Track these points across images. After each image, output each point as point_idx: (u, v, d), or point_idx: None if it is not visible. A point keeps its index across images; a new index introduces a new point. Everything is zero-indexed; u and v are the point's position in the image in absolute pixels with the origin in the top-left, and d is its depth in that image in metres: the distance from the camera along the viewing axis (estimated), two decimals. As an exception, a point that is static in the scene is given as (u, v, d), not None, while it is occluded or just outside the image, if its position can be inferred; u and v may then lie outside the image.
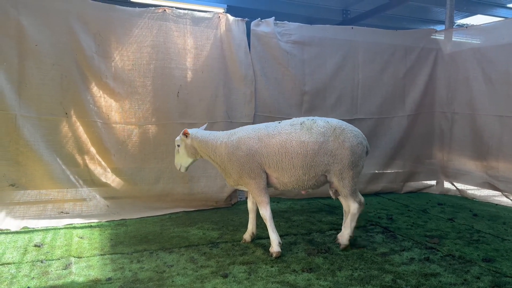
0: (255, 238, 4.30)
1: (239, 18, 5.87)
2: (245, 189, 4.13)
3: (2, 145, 4.71)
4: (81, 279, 3.23)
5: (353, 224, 4.08)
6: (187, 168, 4.35)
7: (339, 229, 4.70)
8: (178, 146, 4.23)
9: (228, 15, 5.79)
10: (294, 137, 3.89)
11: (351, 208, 4.06)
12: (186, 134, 4.14)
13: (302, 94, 6.27)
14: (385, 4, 8.66)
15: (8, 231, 4.45)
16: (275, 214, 5.28)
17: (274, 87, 6.12)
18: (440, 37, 7.02)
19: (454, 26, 7.20)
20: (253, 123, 5.99)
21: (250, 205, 4.27)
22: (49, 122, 4.95)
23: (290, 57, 6.14)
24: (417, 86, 6.92)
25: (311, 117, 4.10)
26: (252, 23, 5.99)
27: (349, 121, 6.49)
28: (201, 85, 5.68)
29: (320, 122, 4.00)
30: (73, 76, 5.01)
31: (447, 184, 7.10)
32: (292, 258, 3.76)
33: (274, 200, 6.14)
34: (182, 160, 4.27)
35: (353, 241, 4.13)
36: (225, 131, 4.24)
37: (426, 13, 9.92)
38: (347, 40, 6.56)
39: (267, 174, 3.97)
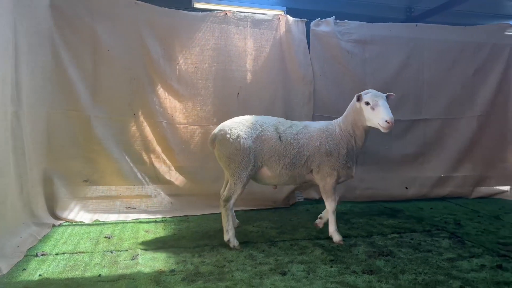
0: (313, 238, 4.28)
1: (299, 19, 5.88)
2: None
3: (77, 144, 5.08)
4: (147, 270, 3.40)
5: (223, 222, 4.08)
6: None
7: (401, 232, 4.56)
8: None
9: (288, 16, 5.83)
10: None
11: None
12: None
13: (362, 94, 6.12)
14: (454, -1, 8.21)
15: (82, 223, 4.79)
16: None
17: (333, 87, 6.05)
18: (515, 32, 6.55)
19: (531, 20, 6.70)
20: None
21: None
22: (119, 123, 5.25)
23: (350, 56, 6.04)
24: (488, 85, 6.49)
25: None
26: (312, 23, 5.97)
27: (413, 121, 6.32)
28: (261, 86, 5.75)
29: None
30: (141, 79, 5.29)
31: (522, 190, 6.60)
32: (352, 260, 3.68)
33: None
34: None
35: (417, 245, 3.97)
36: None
37: (498, 8, 9.24)
38: (411, 38, 6.32)
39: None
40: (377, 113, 3.93)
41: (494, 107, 6.52)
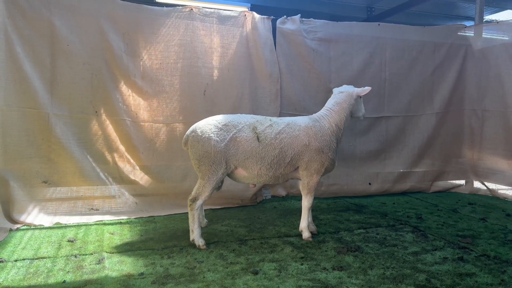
0: (283, 236, 4.30)
1: (265, 16, 5.86)
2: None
3: (35, 143, 4.83)
4: (114, 274, 3.28)
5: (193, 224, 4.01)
6: None
7: (367, 228, 4.66)
8: None
9: (254, 13, 5.80)
10: None
11: None
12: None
13: (327, 91, 6.17)
14: (411, 0, 8.50)
15: (42, 226, 4.56)
16: (299, 211, 5.28)
17: (299, 85, 6.10)
18: (470, 33, 6.86)
19: (483, 22, 7.04)
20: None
21: None
22: (80, 121, 5.04)
23: (316, 54, 6.10)
24: (446, 83, 6.77)
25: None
26: (278, 21, 5.97)
27: (376, 119, 6.50)
28: (227, 83, 5.70)
29: None
30: (103, 75, 5.09)
31: (477, 184, 6.93)
32: (321, 256, 3.73)
33: (300, 198, 6.09)
34: None
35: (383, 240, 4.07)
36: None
37: (453, 9, 9.70)
38: (374, 37, 6.47)
39: None
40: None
41: (451, 104, 6.82)
